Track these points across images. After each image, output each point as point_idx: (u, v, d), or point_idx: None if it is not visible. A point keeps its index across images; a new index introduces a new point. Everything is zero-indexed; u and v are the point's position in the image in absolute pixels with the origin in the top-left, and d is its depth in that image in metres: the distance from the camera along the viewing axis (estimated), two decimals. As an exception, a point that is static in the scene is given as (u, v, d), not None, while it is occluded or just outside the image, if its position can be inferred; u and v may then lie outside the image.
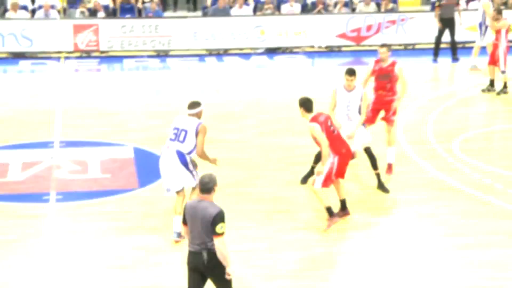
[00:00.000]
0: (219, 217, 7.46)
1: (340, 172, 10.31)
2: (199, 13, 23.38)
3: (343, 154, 10.30)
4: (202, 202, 7.59)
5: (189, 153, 10.09)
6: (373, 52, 21.16)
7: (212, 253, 7.50)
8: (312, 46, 21.50)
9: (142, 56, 20.99)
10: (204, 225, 7.48)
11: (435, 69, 19.71)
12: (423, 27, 21.22)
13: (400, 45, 21.48)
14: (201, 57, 20.95)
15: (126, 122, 15.14)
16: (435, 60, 20.00)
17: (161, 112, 15.83)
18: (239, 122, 15.14)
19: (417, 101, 16.25)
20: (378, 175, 11.51)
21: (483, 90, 16.91)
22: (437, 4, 20.14)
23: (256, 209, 11.06)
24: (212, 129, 14.64)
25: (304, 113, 10.31)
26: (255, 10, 22.51)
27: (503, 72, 16.58)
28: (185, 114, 10.26)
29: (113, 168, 12.70)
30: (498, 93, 16.63)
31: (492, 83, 16.82)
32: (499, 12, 16.84)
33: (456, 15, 19.92)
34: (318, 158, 11.41)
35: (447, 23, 19.83)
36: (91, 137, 14.22)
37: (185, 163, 10.06)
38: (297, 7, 22.26)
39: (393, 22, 21.38)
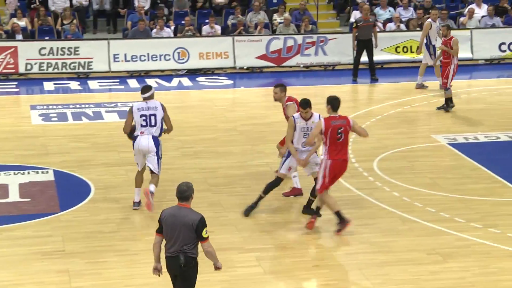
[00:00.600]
0: (202, 223, 7.78)
1: (330, 179, 10.73)
2: (119, 35, 23.24)
3: (338, 163, 10.72)
4: (182, 210, 7.84)
5: (160, 135, 11.51)
6: (294, 73, 21.48)
7: (188, 257, 7.81)
8: (234, 68, 21.61)
9: (61, 79, 20.72)
10: (185, 231, 7.75)
11: (354, 89, 20.01)
12: (342, 48, 21.56)
13: (320, 66, 21.77)
14: (122, 79, 20.81)
15: (46, 145, 14.91)
16: (354, 81, 20.32)
17: (81, 135, 15.66)
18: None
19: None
20: (311, 201, 11.40)
21: (439, 108, 17.37)
22: (354, 25, 20.51)
23: (180, 231, 11.00)
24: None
25: (330, 111, 10.84)
26: (175, 32, 22.51)
27: (447, 88, 17.07)
28: (141, 101, 11.46)
29: (33, 192, 12.49)
30: (447, 110, 17.14)
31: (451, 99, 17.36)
32: (448, 28, 17.46)
33: (373, 37, 20.32)
34: (268, 188, 11.50)
35: (365, 44, 20.21)
36: (10, 161, 13.96)
37: (158, 147, 11.48)
38: (218, 28, 22.35)
39: (313, 43, 21.65)
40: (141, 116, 11.45)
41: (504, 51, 21.78)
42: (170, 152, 14.49)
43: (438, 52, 18.05)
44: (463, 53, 21.03)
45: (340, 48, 21.63)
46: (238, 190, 12.60)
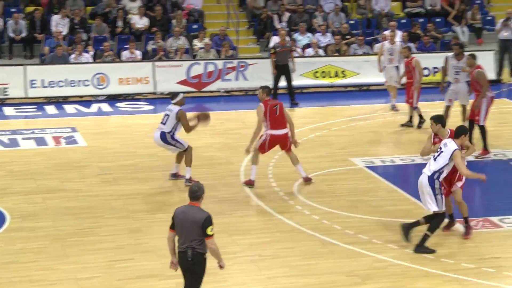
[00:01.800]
0: (208, 221, 8.38)
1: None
2: (36, 60, 22.94)
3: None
4: (192, 208, 8.49)
5: (169, 132, 13.84)
6: (215, 98, 21.54)
7: (196, 252, 8.43)
8: (154, 93, 21.56)
9: (-23, 105, 20.32)
10: (193, 228, 8.37)
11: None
12: (262, 73, 21.76)
13: (240, 90, 21.90)
14: (39, 105, 20.52)
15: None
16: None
17: (-2, 162, 15.39)
18: (80, 171, 14.91)
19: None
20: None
21: (402, 125, 18.11)
22: (272, 51, 20.74)
23: (98, 258, 10.89)
24: (52, 178, 14.42)
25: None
26: (95, 57, 22.35)
27: (415, 108, 17.76)
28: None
29: None
30: (419, 127, 17.85)
31: (421, 116, 17.94)
32: (408, 49, 18.41)
33: (290, 62, 20.55)
34: None
35: (283, 69, 20.43)
36: None
37: (164, 140, 13.89)
38: (138, 54, 22.28)
39: (233, 68, 21.80)
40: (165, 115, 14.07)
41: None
42: (89, 179, 14.35)
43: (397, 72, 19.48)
44: (379, 78, 21.48)
45: (260, 73, 21.82)
46: (159, 216, 12.54)
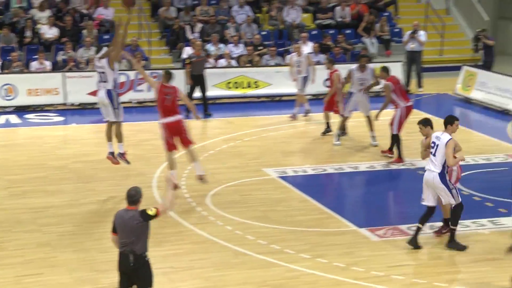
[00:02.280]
0: (142, 212, 8.54)
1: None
2: None
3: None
4: (129, 212, 8.58)
5: (114, 88, 14.21)
6: (127, 109, 21.22)
7: (137, 256, 8.54)
8: (64, 104, 21.23)
9: None
10: (133, 230, 8.49)
11: (187, 124, 20.06)
12: (175, 83, 21.56)
13: (153, 101, 21.68)
14: None
15: None
16: (187, 116, 20.42)
17: None
18: (-12, 184, 14.57)
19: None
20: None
21: (323, 133, 18.38)
22: (187, 61, 20.71)
23: (6, 273, 10.65)
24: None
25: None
26: (2, 67, 21.87)
27: (342, 115, 17.85)
28: None
29: None
30: (341, 134, 17.90)
31: (328, 125, 18.29)
32: (330, 61, 18.68)
33: (205, 72, 20.61)
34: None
35: (198, 79, 20.44)
36: None
37: (111, 97, 14.10)
38: (48, 64, 21.91)
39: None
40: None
41: (329, 86, 22.58)
42: (-3, 192, 14.04)
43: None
44: (291, 88, 21.72)
45: (173, 84, 21.65)
46: (69, 229, 12.35)
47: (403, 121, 16.25)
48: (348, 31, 26.17)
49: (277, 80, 22.31)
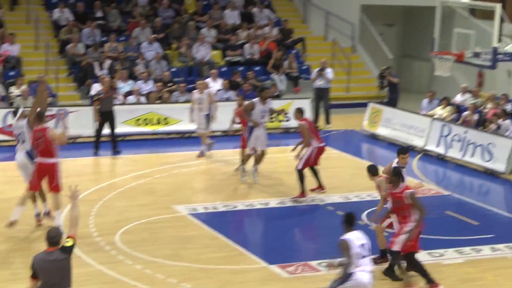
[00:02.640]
0: (64, 249, 8.49)
1: None
2: None
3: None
4: (51, 254, 8.48)
5: (31, 150, 13.60)
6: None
7: None
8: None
9: None
10: (59, 270, 8.43)
11: (96, 162, 19.90)
12: (83, 121, 21.45)
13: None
14: None
15: None
16: (96, 154, 20.22)
17: None
18: None
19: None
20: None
21: (236, 169, 18.13)
22: (95, 98, 20.52)
23: None
24: None
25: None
26: None
27: (252, 149, 17.58)
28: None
29: None
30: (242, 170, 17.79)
31: (243, 162, 17.97)
32: (242, 99, 18.72)
33: (114, 109, 20.44)
34: None
35: (107, 116, 20.26)
36: None
37: (31, 157, 13.70)
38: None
39: (53, 116, 21.30)
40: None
41: (239, 123, 22.72)
42: None
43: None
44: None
45: (81, 121, 21.49)
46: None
47: (311, 160, 16.40)
48: (257, 68, 26.45)
49: (187, 117, 22.25)
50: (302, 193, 16.34)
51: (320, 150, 16.53)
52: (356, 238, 9.83)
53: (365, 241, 9.89)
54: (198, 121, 20.16)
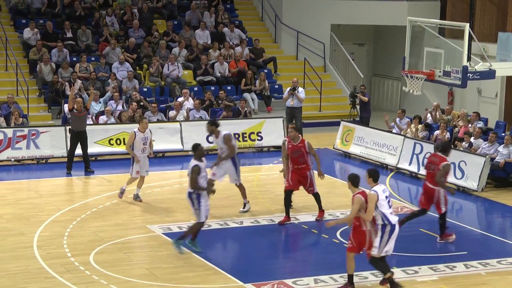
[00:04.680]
0: None
1: None
2: None
3: None
4: None
5: None
6: (5, 168, 20.74)
7: None
8: None
9: None
10: None
11: (69, 182, 19.75)
12: (55, 141, 21.33)
13: (32, 159, 21.27)
14: None
15: None
16: (69, 174, 20.09)
17: None
18: None
19: (52, 215, 16.20)
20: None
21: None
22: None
23: None
24: None
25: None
26: None
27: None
28: None
29: None
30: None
31: None
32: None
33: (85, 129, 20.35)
34: None
35: (79, 136, 20.14)
36: None
37: None
38: None
39: (24, 136, 21.16)
40: None
41: (212, 142, 22.75)
42: None
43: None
44: (174, 144, 21.89)
45: (53, 141, 21.36)
46: None
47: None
48: (229, 88, 26.50)
49: (159, 136, 22.22)
50: (322, 211, 16.40)
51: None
52: (382, 191, 11.96)
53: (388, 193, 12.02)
54: (143, 163, 17.63)
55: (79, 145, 20.25)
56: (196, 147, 14.27)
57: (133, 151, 17.43)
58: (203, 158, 14.23)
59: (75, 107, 20.25)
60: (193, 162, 14.10)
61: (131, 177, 17.59)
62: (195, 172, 13.97)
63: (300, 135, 16.64)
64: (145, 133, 17.50)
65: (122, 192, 17.57)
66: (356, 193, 12.10)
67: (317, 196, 16.35)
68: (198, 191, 14.02)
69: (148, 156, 17.81)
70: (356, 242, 12.14)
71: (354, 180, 12.26)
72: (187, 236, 14.22)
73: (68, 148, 20.45)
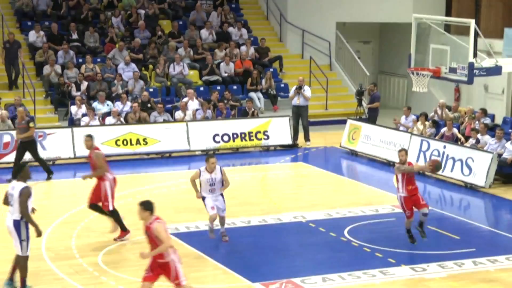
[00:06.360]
0: None
1: None
2: None
3: None
4: None
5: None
6: (10, 170, 20.75)
7: None
8: None
9: None
10: None
11: (75, 183, 19.76)
12: (62, 143, 21.37)
13: (33, 161, 21.24)
14: None
15: None
16: (75, 175, 20.12)
17: None
18: None
19: (60, 217, 16.21)
20: None
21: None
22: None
23: None
24: None
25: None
26: None
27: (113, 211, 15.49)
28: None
29: None
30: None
31: None
32: (91, 138, 15.23)
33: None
34: None
35: (26, 145, 19.53)
36: None
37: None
38: None
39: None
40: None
41: (218, 142, 22.79)
42: None
43: None
44: (180, 145, 21.86)
45: (59, 143, 21.39)
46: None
47: (114, 193, 15.09)
48: (235, 87, 26.50)
49: (166, 137, 22.28)
50: (123, 232, 14.94)
51: (116, 181, 15.16)
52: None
53: None
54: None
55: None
56: (22, 167, 12.36)
57: (201, 191, 14.75)
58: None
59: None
60: (20, 184, 11.93)
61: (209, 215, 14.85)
62: (26, 195, 11.81)
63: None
64: (212, 173, 14.56)
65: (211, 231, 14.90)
66: (154, 220, 10.97)
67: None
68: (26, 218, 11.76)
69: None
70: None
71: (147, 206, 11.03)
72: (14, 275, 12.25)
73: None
